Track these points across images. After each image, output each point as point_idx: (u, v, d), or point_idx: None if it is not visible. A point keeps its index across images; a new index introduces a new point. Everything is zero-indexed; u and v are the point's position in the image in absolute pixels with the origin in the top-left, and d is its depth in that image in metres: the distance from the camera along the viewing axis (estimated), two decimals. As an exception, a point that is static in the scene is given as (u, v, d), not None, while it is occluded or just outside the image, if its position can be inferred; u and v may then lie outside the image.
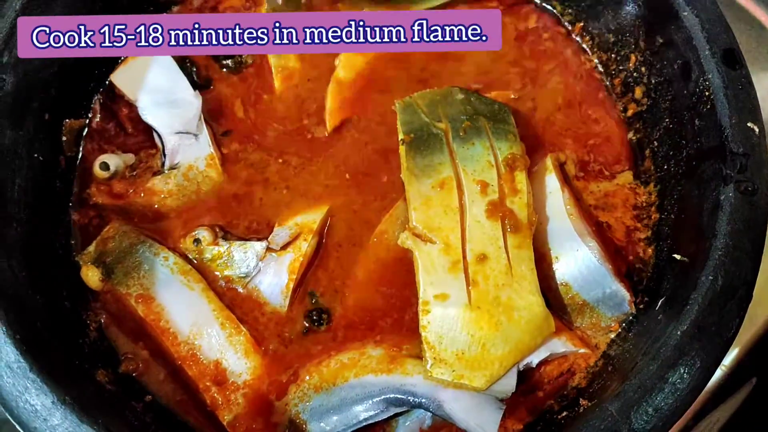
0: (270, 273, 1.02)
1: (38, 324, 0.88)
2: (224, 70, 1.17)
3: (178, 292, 1.00)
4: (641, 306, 0.99)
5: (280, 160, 1.10)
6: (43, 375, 0.80)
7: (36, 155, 1.01)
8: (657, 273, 1.00)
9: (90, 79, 1.13)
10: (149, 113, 1.09)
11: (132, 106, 1.11)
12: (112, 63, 1.13)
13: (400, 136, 1.03)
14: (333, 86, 1.12)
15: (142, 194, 1.06)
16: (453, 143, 1.02)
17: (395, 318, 1.01)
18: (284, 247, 1.03)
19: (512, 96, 1.14)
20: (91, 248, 1.03)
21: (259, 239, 1.03)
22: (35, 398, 0.79)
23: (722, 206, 0.86)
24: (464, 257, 0.95)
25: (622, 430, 0.78)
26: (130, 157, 1.09)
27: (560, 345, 0.97)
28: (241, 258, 1.02)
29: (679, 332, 0.82)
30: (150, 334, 0.99)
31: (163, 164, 1.08)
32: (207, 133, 1.09)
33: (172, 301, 1.00)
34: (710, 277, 0.83)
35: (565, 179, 1.08)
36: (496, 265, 0.95)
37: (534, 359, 0.95)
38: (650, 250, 1.03)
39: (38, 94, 1.01)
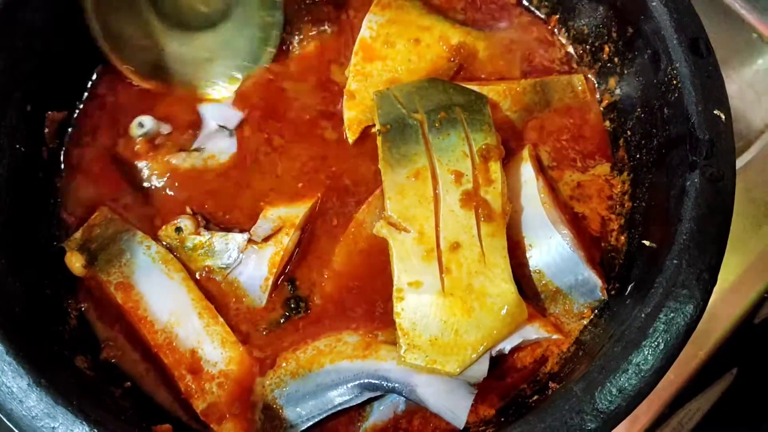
0: (250, 265, 1.03)
1: (17, 309, 0.89)
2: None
3: (157, 280, 1.02)
4: (613, 292, 1.00)
5: (268, 150, 1.12)
6: (20, 358, 0.81)
7: (18, 146, 1.02)
8: (628, 260, 1.01)
9: (73, 71, 1.14)
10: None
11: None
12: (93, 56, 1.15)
13: (377, 127, 1.05)
14: (347, 100, 1.13)
15: (158, 162, 1.09)
16: (429, 134, 1.03)
17: (372, 306, 1.03)
18: (266, 240, 1.04)
19: (518, 89, 1.13)
20: (77, 235, 1.05)
21: (241, 230, 1.05)
22: (11, 380, 0.80)
23: (688, 192, 0.87)
24: (438, 246, 0.97)
25: (586, 410, 0.79)
26: (167, 128, 1.13)
27: (532, 331, 0.98)
28: (222, 249, 1.04)
29: (643, 315, 0.83)
30: (128, 321, 1.01)
31: (191, 144, 1.12)
32: (237, 133, 1.13)
33: (151, 289, 1.01)
34: (675, 261, 0.84)
35: (541, 169, 1.09)
36: (469, 253, 0.96)
37: (506, 345, 0.97)
38: (623, 238, 1.05)
39: (20, 86, 1.03)
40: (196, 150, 1.11)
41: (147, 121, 1.11)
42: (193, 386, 0.96)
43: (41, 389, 0.80)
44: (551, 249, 1.01)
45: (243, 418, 0.95)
